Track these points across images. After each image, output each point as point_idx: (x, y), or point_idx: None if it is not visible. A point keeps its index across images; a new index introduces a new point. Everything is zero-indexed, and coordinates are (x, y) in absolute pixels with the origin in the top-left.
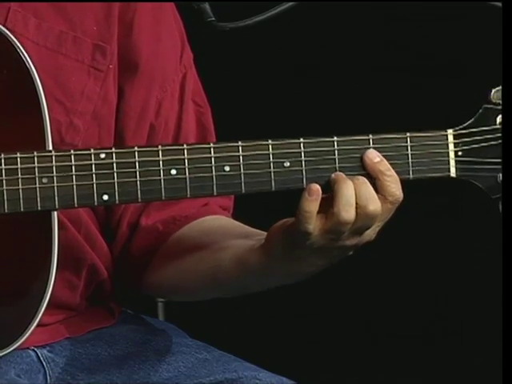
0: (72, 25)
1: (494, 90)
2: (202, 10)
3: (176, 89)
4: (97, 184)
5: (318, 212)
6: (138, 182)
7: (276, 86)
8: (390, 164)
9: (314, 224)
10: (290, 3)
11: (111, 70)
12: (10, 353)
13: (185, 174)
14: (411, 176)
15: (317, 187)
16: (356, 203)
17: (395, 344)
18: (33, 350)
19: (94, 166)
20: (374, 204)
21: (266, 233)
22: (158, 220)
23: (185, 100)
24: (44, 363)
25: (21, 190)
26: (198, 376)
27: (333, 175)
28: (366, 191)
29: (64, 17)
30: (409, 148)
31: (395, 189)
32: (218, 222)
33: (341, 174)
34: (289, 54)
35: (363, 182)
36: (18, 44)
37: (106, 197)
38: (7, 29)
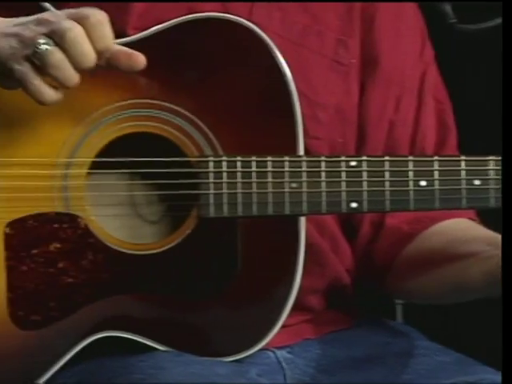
0: (315, 19)
1: None
2: (444, 11)
3: (415, 85)
4: (346, 191)
5: None
6: (387, 192)
7: None
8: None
9: None
10: None
11: (353, 64)
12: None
13: (434, 185)
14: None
15: None
16: None
17: None
18: (272, 351)
19: (343, 173)
20: None
21: None
22: (402, 220)
23: (424, 96)
24: (283, 364)
25: (270, 194)
26: (438, 379)
27: None
28: None
29: (307, 11)
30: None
31: None
32: (459, 226)
33: None
34: None
35: None
36: (274, 48)
37: (354, 204)
38: (253, 23)
